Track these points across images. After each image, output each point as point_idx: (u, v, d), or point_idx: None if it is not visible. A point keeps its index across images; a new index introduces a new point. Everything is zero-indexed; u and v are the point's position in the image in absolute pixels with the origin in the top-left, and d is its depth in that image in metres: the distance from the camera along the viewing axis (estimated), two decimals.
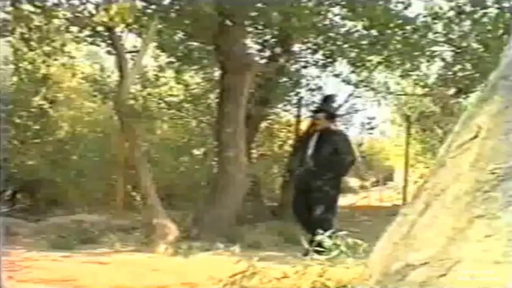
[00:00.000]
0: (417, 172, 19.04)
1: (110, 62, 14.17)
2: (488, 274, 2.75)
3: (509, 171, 2.97)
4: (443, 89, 16.33)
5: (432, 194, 3.31)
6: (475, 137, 3.21)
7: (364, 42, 13.67)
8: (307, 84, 16.64)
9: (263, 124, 16.38)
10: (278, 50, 14.39)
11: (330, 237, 5.43)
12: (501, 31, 12.70)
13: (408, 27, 12.94)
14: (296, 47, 15.24)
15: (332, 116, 9.77)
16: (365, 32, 13.38)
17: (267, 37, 14.59)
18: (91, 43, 12.93)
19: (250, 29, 13.29)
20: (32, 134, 15.39)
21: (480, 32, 13.37)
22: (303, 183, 9.24)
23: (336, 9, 13.10)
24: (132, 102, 14.60)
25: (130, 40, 12.81)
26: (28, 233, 10.77)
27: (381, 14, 12.16)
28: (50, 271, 6.90)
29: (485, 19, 13.18)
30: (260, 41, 14.73)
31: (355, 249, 5.18)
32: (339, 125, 17.99)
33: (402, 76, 16.78)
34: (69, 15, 11.15)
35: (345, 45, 13.97)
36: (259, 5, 11.63)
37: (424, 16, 13.54)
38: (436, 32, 14.01)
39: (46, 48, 12.82)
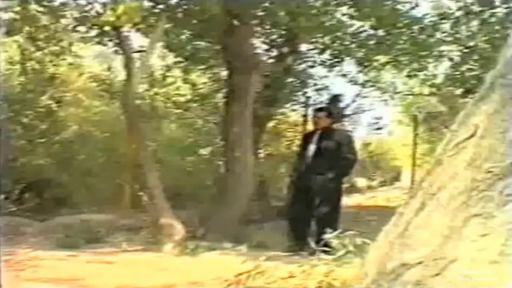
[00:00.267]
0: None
1: (118, 61, 14.15)
2: (487, 274, 2.73)
3: (506, 170, 2.96)
4: (451, 89, 16.28)
5: (429, 193, 3.30)
6: (472, 136, 3.19)
7: (371, 41, 13.68)
8: (314, 84, 16.65)
9: (270, 124, 16.37)
10: (285, 49, 14.39)
11: (336, 236, 5.43)
12: (509, 31, 12.67)
13: (415, 27, 12.93)
14: (303, 47, 15.24)
15: (333, 115, 9.68)
16: (372, 31, 13.39)
17: (274, 36, 14.59)
18: (98, 43, 12.92)
19: (257, 28, 13.27)
20: (39, 133, 15.38)
21: (488, 32, 13.34)
22: (304, 183, 9.14)
23: (343, 9, 13.09)
24: (139, 101, 14.59)
25: (137, 40, 12.82)
26: (35, 232, 10.78)
27: (389, 14, 12.16)
28: (57, 270, 6.91)
29: (493, 19, 13.15)
30: (267, 40, 14.73)
31: (362, 248, 5.17)
32: (346, 125, 18.06)
33: (409, 76, 16.74)
34: (76, 14, 11.15)
35: (353, 45, 13.98)
36: (266, 4, 11.62)
37: (432, 16, 13.53)
38: (444, 32, 13.99)
39: (54, 48, 12.83)
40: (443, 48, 14.65)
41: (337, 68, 16.01)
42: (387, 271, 3.21)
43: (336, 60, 15.44)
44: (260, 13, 12.03)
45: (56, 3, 10.86)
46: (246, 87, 11.31)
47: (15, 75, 15.37)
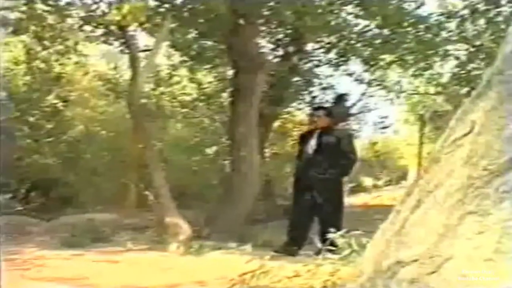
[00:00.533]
0: None
1: (124, 61, 14.16)
2: (483, 273, 2.72)
3: (502, 167, 2.94)
4: (457, 88, 16.25)
5: (425, 191, 3.29)
6: (469, 133, 3.18)
7: (377, 41, 13.65)
8: (320, 83, 16.64)
9: (276, 123, 16.38)
10: (291, 49, 14.39)
11: (342, 236, 5.41)
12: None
13: (421, 26, 12.90)
14: (309, 46, 15.24)
15: (332, 114, 9.54)
16: (378, 31, 13.37)
17: (280, 36, 14.59)
18: (104, 42, 12.92)
19: (263, 28, 13.27)
20: (45, 133, 15.41)
21: (494, 30, 13.31)
22: (305, 184, 8.90)
23: (349, 8, 13.07)
24: (145, 101, 14.61)
25: (143, 39, 12.83)
26: (40, 231, 10.80)
27: (394, 13, 12.14)
28: (62, 269, 6.92)
29: (499, 18, 13.13)
30: (273, 40, 14.74)
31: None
32: (352, 124, 18.06)
33: (415, 75, 16.72)
34: (82, 14, 11.16)
35: (358, 44, 13.96)
36: (272, 4, 11.62)
37: (437, 15, 13.51)
38: (450, 31, 13.96)
39: (59, 47, 12.84)
40: (449, 47, 14.62)
41: (342, 67, 16.01)
42: (382, 269, 3.19)
43: (342, 59, 15.44)
44: (266, 13, 12.02)
45: (62, 3, 10.88)
46: (252, 86, 11.31)
47: (21, 74, 15.39)
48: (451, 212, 3.01)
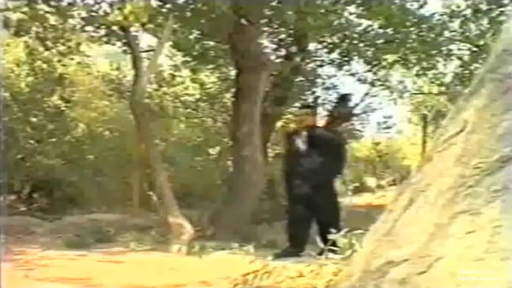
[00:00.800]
0: None
1: (128, 61, 14.18)
2: (478, 274, 2.71)
3: (494, 165, 2.93)
4: (460, 88, 16.24)
5: (417, 190, 3.27)
6: (461, 131, 3.16)
7: (380, 40, 13.65)
8: (323, 83, 16.64)
9: (279, 123, 16.36)
10: (293, 49, 14.37)
11: (344, 236, 5.41)
12: None
13: (424, 26, 12.90)
14: (311, 46, 15.23)
15: (317, 113, 9.41)
16: (381, 30, 13.37)
17: (283, 36, 14.59)
18: (107, 43, 12.93)
19: (265, 28, 13.28)
20: (48, 133, 15.43)
21: (497, 30, 13.29)
22: (297, 183, 8.69)
23: (351, 8, 13.07)
24: (148, 101, 14.63)
25: (146, 39, 12.84)
26: (44, 232, 10.82)
27: (397, 13, 12.13)
28: (66, 269, 6.94)
29: (502, 17, 13.11)
30: (275, 40, 14.73)
31: None
32: (355, 124, 18.06)
33: (418, 75, 16.70)
34: (84, 14, 11.17)
35: (361, 44, 13.96)
36: (274, 4, 11.62)
37: (440, 15, 13.51)
38: (453, 31, 13.96)
39: (62, 48, 12.85)
40: (452, 47, 14.62)
41: (345, 67, 16.01)
42: (373, 269, 3.18)
43: (345, 59, 15.44)
44: (268, 13, 12.02)
45: (64, 3, 10.88)
46: (255, 87, 11.31)
47: (24, 75, 15.41)
48: (442, 211, 2.99)
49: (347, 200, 15.35)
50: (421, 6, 13.17)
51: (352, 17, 13.38)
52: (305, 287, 4.97)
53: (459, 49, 15.14)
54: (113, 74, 17.56)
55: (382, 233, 3.34)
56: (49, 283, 6.14)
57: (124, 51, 12.89)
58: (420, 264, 2.92)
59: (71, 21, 11.62)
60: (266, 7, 11.63)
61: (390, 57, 15.21)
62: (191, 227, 8.99)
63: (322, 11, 12.11)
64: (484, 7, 13.48)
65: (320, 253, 5.83)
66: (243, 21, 11.12)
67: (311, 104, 10.12)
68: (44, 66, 15.15)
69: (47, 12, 10.99)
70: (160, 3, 11.41)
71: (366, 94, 17.25)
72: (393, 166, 26.52)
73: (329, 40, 14.50)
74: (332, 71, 16.45)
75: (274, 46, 14.83)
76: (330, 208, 8.55)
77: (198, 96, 17.58)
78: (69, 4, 10.98)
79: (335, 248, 5.43)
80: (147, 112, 11.30)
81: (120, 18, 9.56)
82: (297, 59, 14.34)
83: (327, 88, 16.76)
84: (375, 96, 17.70)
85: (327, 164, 8.51)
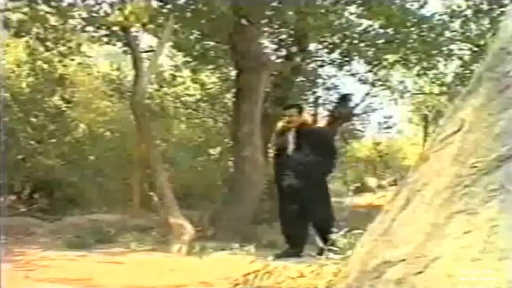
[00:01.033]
0: None
1: (128, 61, 14.18)
2: (475, 274, 2.70)
3: (491, 165, 2.91)
4: (461, 88, 16.24)
5: (414, 190, 3.25)
6: (458, 130, 3.15)
7: (380, 40, 13.64)
8: (324, 83, 16.64)
9: (280, 123, 16.37)
10: (294, 49, 14.37)
11: (344, 236, 5.40)
12: None
13: (424, 26, 12.90)
14: (312, 46, 15.24)
15: (303, 111, 9.28)
16: (381, 30, 13.36)
17: (283, 36, 14.59)
18: (107, 43, 12.92)
19: (266, 28, 13.28)
20: (49, 134, 15.43)
21: (497, 30, 13.28)
22: (288, 183, 8.52)
23: (352, 8, 13.07)
24: (148, 101, 14.63)
25: (146, 40, 12.84)
26: (45, 232, 10.82)
27: (398, 13, 12.13)
28: (67, 270, 6.93)
29: (502, 17, 13.10)
30: (276, 40, 14.73)
31: None
32: (356, 125, 18.07)
33: (419, 75, 16.70)
34: (84, 15, 11.17)
35: (362, 44, 13.95)
36: (274, 4, 11.62)
37: (441, 15, 13.51)
38: (453, 31, 13.96)
39: (62, 48, 12.84)
40: (452, 47, 14.62)
41: (346, 68, 16.00)
42: (369, 270, 3.17)
43: (345, 59, 15.44)
44: (269, 13, 12.02)
45: (64, 4, 10.88)
46: (255, 87, 11.30)
47: (24, 75, 15.41)
48: (438, 211, 2.98)
49: (348, 200, 15.35)
50: (421, 6, 13.18)
51: (352, 17, 13.40)
52: (305, 287, 4.96)
53: (460, 49, 15.15)
54: (114, 74, 17.57)
55: (379, 233, 3.33)
56: (49, 284, 6.13)
57: (125, 52, 12.89)
58: (417, 264, 2.91)
59: (71, 21, 11.62)
60: (267, 8, 11.63)
61: (391, 57, 15.21)
62: (191, 228, 8.99)
63: (323, 11, 12.12)
64: (485, 7, 13.48)
65: (320, 253, 5.83)
66: (244, 21, 11.12)
67: (298, 103, 9.96)
68: (45, 66, 15.15)
69: (47, 12, 10.99)
70: (161, 4, 11.42)
71: (367, 94, 17.27)
72: (393, 166, 26.53)
73: (329, 40, 14.50)
74: (333, 71, 16.48)
75: (274, 46, 14.85)
76: (321, 207, 8.39)
77: (198, 97, 17.59)
78: (70, 4, 10.98)
79: (335, 248, 5.42)
80: (147, 113, 11.30)
81: (120, 18, 9.56)
82: (298, 59, 14.35)
83: (328, 88, 16.78)
84: (375, 96, 17.73)
85: (317, 162, 8.36)
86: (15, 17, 11.06)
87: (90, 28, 11.89)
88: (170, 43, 13.10)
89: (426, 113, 20.50)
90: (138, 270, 7.18)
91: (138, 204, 13.21)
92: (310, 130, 8.80)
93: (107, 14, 10.65)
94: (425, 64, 15.36)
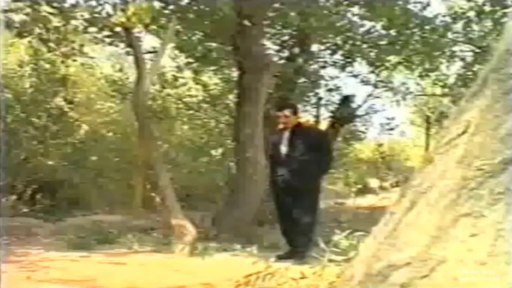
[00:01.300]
0: None
1: (130, 62, 14.18)
2: (476, 276, 2.68)
3: (496, 167, 2.89)
4: (463, 89, 16.23)
5: (418, 192, 3.22)
6: (464, 132, 3.12)
7: (383, 42, 13.64)
8: (326, 85, 16.63)
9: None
10: (296, 50, 14.37)
11: (346, 237, 5.39)
12: None
13: (427, 27, 12.89)
14: (314, 48, 15.23)
15: (298, 111, 9.19)
16: (384, 32, 13.36)
17: (286, 37, 14.59)
18: (109, 44, 12.93)
19: (268, 29, 13.27)
20: (51, 134, 15.44)
21: (500, 32, 13.28)
22: (281, 186, 8.46)
23: (354, 9, 13.08)
24: (150, 102, 14.63)
25: (148, 41, 12.84)
26: (47, 233, 10.82)
27: (400, 14, 12.13)
28: (69, 271, 6.92)
29: (505, 19, 13.10)
30: (278, 41, 14.73)
31: None
32: (358, 126, 18.06)
33: (421, 76, 16.70)
34: (87, 15, 11.16)
35: (364, 45, 13.95)
36: (277, 5, 11.62)
37: (443, 16, 13.51)
38: (456, 32, 13.95)
39: (65, 49, 12.84)
40: (455, 48, 14.62)
41: (348, 69, 16.00)
42: (374, 273, 3.15)
43: (348, 60, 15.43)
44: (271, 14, 12.02)
45: (67, 5, 10.88)
46: (258, 88, 11.29)
47: (27, 76, 15.42)
48: (444, 214, 2.95)
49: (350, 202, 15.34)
50: (424, 8, 13.19)
51: (355, 19, 13.40)
52: None
53: (462, 51, 15.14)
54: (116, 75, 17.57)
55: (383, 236, 3.31)
56: (51, 285, 6.13)
57: (127, 53, 12.90)
58: (422, 267, 2.89)
59: (73, 22, 11.61)
60: (269, 9, 11.63)
61: (393, 59, 15.21)
62: (193, 229, 8.98)
63: (325, 12, 12.12)
64: (487, 8, 13.47)
65: (322, 255, 5.79)
66: (246, 22, 11.11)
67: (293, 103, 9.87)
68: (47, 67, 15.16)
69: (50, 13, 10.98)
70: (163, 5, 11.42)
71: (369, 95, 17.25)
72: (396, 168, 26.53)
73: (332, 42, 14.51)
74: (335, 73, 16.47)
75: (277, 47, 14.84)
76: (306, 210, 8.34)
77: (201, 98, 17.59)
78: (72, 5, 10.99)
79: (337, 250, 5.41)
80: (149, 114, 11.30)
81: (123, 19, 9.57)
82: (300, 60, 14.34)
83: (330, 90, 16.77)
84: (378, 97, 17.71)
85: (310, 163, 8.26)
86: (17, 18, 11.07)
87: (92, 29, 11.88)
88: (173, 44, 13.10)
89: (429, 114, 20.51)
90: (140, 271, 7.17)
91: (140, 205, 13.22)
92: (304, 130, 8.65)
93: (110, 15, 10.64)
94: (427, 65, 15.35)
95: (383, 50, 13.99)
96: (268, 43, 14.00)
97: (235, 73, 14.13)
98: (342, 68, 15.91)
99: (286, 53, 14.76)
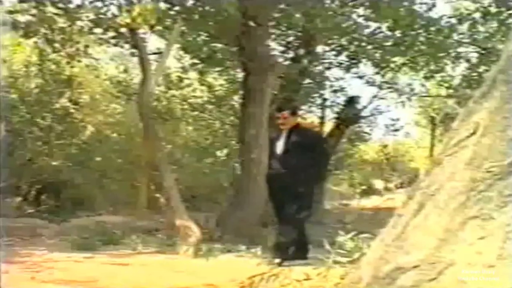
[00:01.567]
0: None
1: (135, 63, 14.19)
2: (485, 279, 2.66)
3: (505, 169, 2.87)
4: (468, 90, 16.20)
5: (427, 194, 3.21)
6: (473, 134, 3.10)
7: (388, 43, 13.62)
8: (331, 86, 16.62)
9: None
10: (301, 51, 14.36)
11: (351, 239, 5.37)
12: None
13: (432, 28, 12.87)
14: (319, 49, 15.21)
15: (297, 112, 9.12)
16: (389, 33, 13.34)
17: (291, 38, 14.58)
18: (115, 45, 12.93)
19: (273, 30, 13.26)
20: (56, 135, 15.45)
21: (505, 33, 13.26)
22: (276, 185, 8.33)
23: (360, 10, 13.06)
24: (155, 103, 14.63)
25: (154, 42, 12.85)
26: (51, 234, 10.81)
27: (405, 15, 12.11)
28: (73, 272, 6.92)
29: (510, 20, 13.08)
30: (283, 42, 14.72)
31: None
32: (363, 127, 18.04)
33: (426, 78, 16.67)
34: (92, 16, 11.17)
35: (369, 46, 13.93)
36: (282, 6, 11.61)
37: (449, 17, 13.49)
38: (461, 33, 13.94)
39: (69, 50, 12.83)
40: (460, 49, 14.59)
41: (353, 70, 15.98)
42: (382, 275, 3.13)
43: (353, 61, 15.42)
44: (276, 15, 12.01)
45: (72, 5, 10.88)
46: (262, 89, 11.29)
47: (32, 76, 15.44)
48: (452, 216, 2.94)
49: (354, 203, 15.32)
50: (429, 9, 13.16)
51: (360, 20, 13.38)
52: None
53: (468, 52, 15.12)
54: (121, 76, 17.59)
55: (391, 238, 3.29)
56: (55, 285, 6.13)
57: (132, 54, 12.91)
58: (430, 270, 2.87)
59: (79, 23, 11.61)
60: (274, 9, 11.62)
61: (398, 60, 15.19)
62: (198, 230, 8.96)
63: (330, 13, 12.10)
64: (493, 9, 13.45)
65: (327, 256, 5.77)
66: (251, 23, 11.11)
67: (292, 104, 9.80)
68: (53, 67, 15.17)
69: (55, 14, 10.99)
70: (168, 6, 11.41)
71: (374, 96, 17.23)
72: (400, 169, 26.53)
73: (337, 43, 14.49)
74: (340, 74, 16.46)
75: (282, 48, 14.84)
76: (296, 210, 8.24)
77: (205, 99, 17.58)
78: (77, 6, 10.99)
79: (342, 251, 5.39)
80: (154, 115, 11.29)
81: (128, 20, 9.58)
82: (305, 61, 14.33)
83: (335, 91, 16.76)
84: (383, 98, 17.68)
85: (304, 166, 8.21)
86: (23, 18, 11.07)
87: (97, 30, 11.88)
88: (178, 45, 13.10)
89: (433, 115, 20.47)
90: (144, 272, 7.17)
91: (144, 206, 13.22)
92: (300, 131, 8.53)
93: (115, 16, 10.65)
94: (432, 66, 15.34)
95: (388, 51, 13.97)
96: (273, 44, 14.00)
97: (240, 74, 14.13)
98: (347, 69, 15.89)
99: (291, 54, 14.75)
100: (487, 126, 3.03)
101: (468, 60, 15.39)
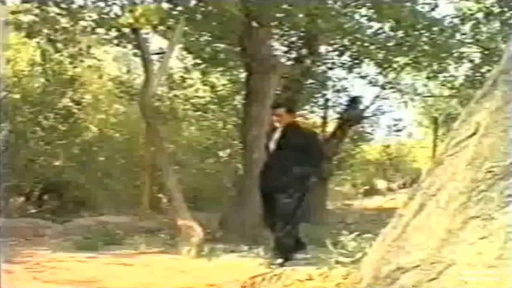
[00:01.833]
0: None
1: (138, 63, 14.19)
2: (485, 279, 2.66)
3: (506, 169, 2.87)
4: (471, 91, 16.18)
5: (428, 194, 3.20)
6: (474, 134, 3.10)
7: (391, 43, 13.60)
8: (334, 86, 16.61)
9: None
10: (304, 51, 14.34)
11: (354, 239, 5.37)
12: None
13: (435, 28, 12.86)
14: (322, 49, 15.19)
15: (293, 110, 9.07)
16: (392, 33, 13.32)
17: (293, 38, 14.56)
18: (117, 45, 12.93)
19: (276, 30, 13.25)
20: (59, 135, 15.45)
21: (508, 33, 13.24)
22: (267, 183, 8.33)
23: (362, 10, 13.04)
24: (158, 103, 14.62)
25: (156, 42, 12.84)
26: (54, 234, 10.82)
27: (408, 15, 12.09)
28: (76, 272, 6.93)
29: None
30: (286, 42, 14.70)
31: None
32: (366, 127, 18.03)
33: (429, 78, 16.65)
34: (94, 16, 11.17)
35: (372, 47, 13.90)
36: (285, 6, 11.59)
37: (452, 17, 13.47)
38: (464, 33, 13.92)
39: (72, 50, 12.83)
40: (463, 49, 14.57)
41: (356, 70, 15.96)
42: (382, 275, 3.13)
43: (355, 61, 15.40)
44: (279, 15, 12.00)
45: (75, 5, 10.88)
46: (265, 89, 11.29)
47: (35, 77, 15.44)
48: (453, 216, 2.93)
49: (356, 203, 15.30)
50: (432, 9, 13.15)
51: (363, 20, 13.36)
52: None
53: (470, 52, 15.09)
54: (124, 76, 17.59)
55: (392, 238, 3.29)
56: (58, 285, 6.14)
57: (135, 54, 12.91)
58: (431, 270, 2.87)
59: (81, 23, 11.61)
60: (277, 10, 11.60)
61: (401, 60, 15.16)
62: (200, 230, 8.97)
63: (333, 13, 12.08)
64: (496, 10, 13.43)
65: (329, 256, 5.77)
66: (254, 23, 11.11)
67: (287, 102, 9.76)
68: (55, 67, 15.18)
69: (57, 14, 10.99)
70: (171, 6, 11.40)
71: (377, 96, 17.19)
72: (403, 169, 26.49)
73: (339, 43, 14.46)
74: (343, 74, 16.43)
75: (284, 48, 14.81)
76: (287, 209, 8.18)
77: (208, 99, 17.56)
78: (80, 6, 10.99)
79: (344, 251, 5.40)
80: (157, 115, 11.29)
81: (131, 20, 9.58)
82: (308, 61, 14.31)
83: (338, 91, 16.75)
84: (385, 98, 17.64)
85: (296, 165, 8.14)
86: (26, 18, 11.07)
87: (100, 30, 11.88)
88: (180, 45, 13.10)
89: (436, 116, 20.42)
90: (146, 272, 7.18)
91: (147, 206, 13.19)
92: (294, 130, 8.46)
93: (118, 16, 10.64)
94: (435, 66, 15.32)
95: (391, 52, 13.94)
96: (275, 44, 13.98)
97: (242, 74, 14.13)
98: (350, 69, 15.87)
99: (293, 54, 14.72)
100: (488, 126, 3.03)
101: (471, 60, 15.36)
